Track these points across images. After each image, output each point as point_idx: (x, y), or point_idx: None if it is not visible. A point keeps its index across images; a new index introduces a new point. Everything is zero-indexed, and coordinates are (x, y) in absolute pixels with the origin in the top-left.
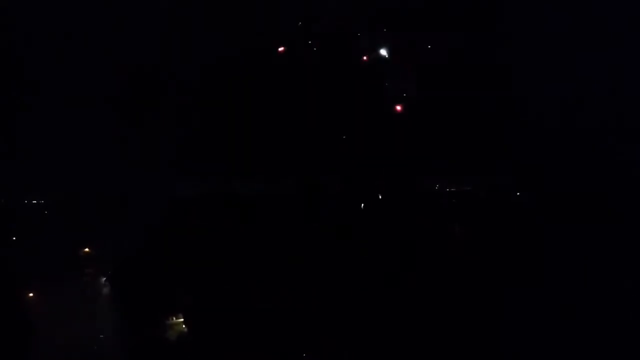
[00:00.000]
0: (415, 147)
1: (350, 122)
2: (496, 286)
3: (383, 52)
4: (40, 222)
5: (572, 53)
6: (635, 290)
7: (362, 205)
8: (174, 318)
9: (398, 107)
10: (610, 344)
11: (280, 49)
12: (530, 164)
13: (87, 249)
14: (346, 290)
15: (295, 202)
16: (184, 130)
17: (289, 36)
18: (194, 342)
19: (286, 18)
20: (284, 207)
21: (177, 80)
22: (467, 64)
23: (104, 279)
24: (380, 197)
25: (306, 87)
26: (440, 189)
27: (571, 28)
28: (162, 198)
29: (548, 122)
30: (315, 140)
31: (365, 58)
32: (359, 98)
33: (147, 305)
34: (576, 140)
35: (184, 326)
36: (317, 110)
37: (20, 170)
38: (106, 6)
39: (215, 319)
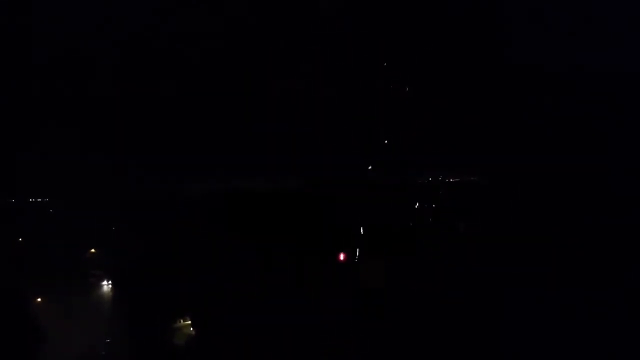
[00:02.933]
0: (415, 140)
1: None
2: (497, 283)
3: None
4: (45, 222)
5: (572, 53)
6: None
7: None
8: (182, 321)
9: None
10: (609, 343)
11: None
12: (530, 163)
13: (93, 250)
14: (351, 290)
15: (298, 202)
16: (188, 127)
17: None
18: (201, 346)
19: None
20: (290, 206)
21: (176, 76)
22: (466, 63)
23: (110, 281)
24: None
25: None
26: (441, 180)
27: (571, 28)
28: (169, 197)
29: (548, 121)
30: (315, 138)
31: None
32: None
33: (154, 307)
34: (576, 139)
35: (191, 329)
36: (317, 107)
37: (24, 169)
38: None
39: (224, 322)
